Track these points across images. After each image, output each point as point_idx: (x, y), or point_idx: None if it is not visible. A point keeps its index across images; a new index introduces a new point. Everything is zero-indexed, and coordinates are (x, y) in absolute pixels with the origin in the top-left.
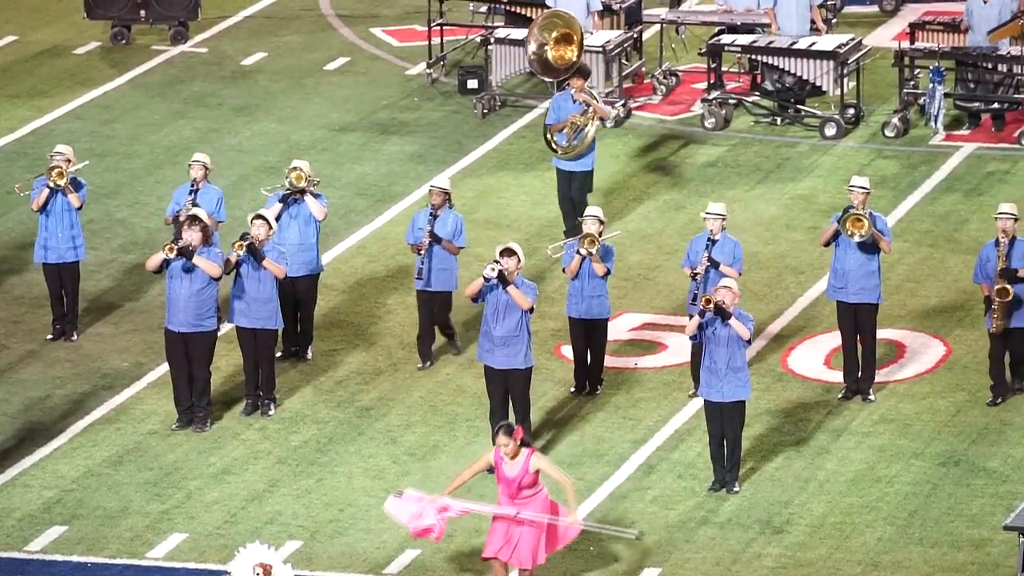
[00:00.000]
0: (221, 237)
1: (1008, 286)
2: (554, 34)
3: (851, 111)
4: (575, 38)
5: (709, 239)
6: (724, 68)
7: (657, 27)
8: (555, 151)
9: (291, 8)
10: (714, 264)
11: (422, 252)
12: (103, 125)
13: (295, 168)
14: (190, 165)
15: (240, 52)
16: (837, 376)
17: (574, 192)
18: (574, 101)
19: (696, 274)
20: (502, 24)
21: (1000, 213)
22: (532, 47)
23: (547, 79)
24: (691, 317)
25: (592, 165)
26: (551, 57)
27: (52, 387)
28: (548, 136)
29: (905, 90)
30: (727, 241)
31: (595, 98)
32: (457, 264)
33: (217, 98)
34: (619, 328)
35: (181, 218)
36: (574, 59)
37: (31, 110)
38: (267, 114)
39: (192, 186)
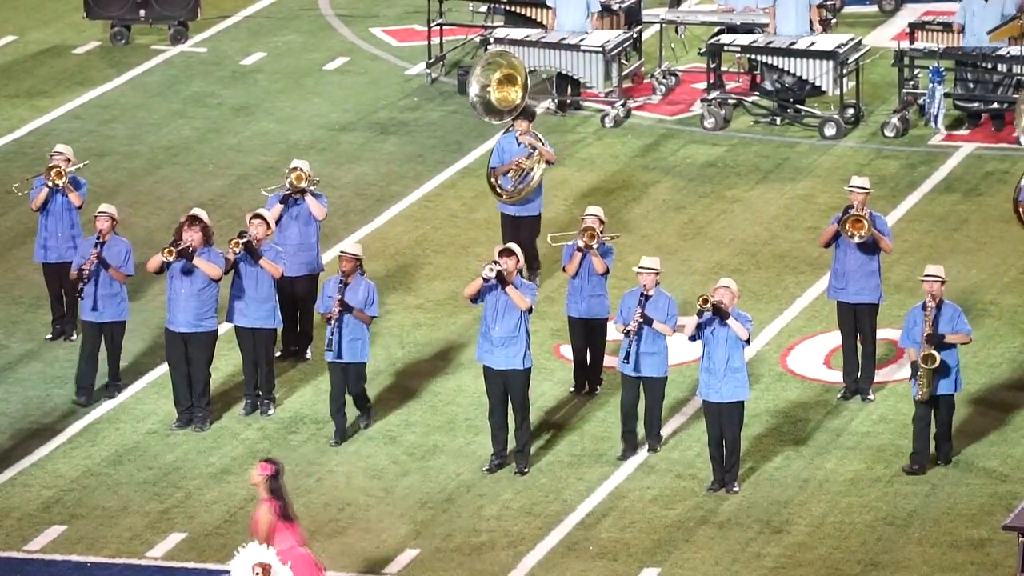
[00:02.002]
0: (216, 239)
1: (935, 353)
2: (497, 75)
3: (851, 111)
4: (519, 79)
5: (642, 295)
6: (724, 68)
7: (657, 27)
8: (500, 196)
9: (290, 8)
10: (647, 321)
11: (332, 322)
12: (102, 125)
13: (295, 168)
14: (96, 216)
15: (239, 52)
16: (836, 376)
17: (523, 238)
18: (519, 144)
19: (628, 331)
20: (502, 24)
21: (927, 275)
22: (474, 89)
23: (491, 121)
24: (623, 376)
25: (539, 209)
26: (494, 99)
27: (51, 387)
28: (492, 180)
29: (904, 90)
30: (661, 297)
31: (541, 140)
32: (369, 333)
33: (216, 98)
34: None
35: (85, 272)
36: (518, 100)
37: (30, 110)
38: (266, 114)
39: (97, 238)
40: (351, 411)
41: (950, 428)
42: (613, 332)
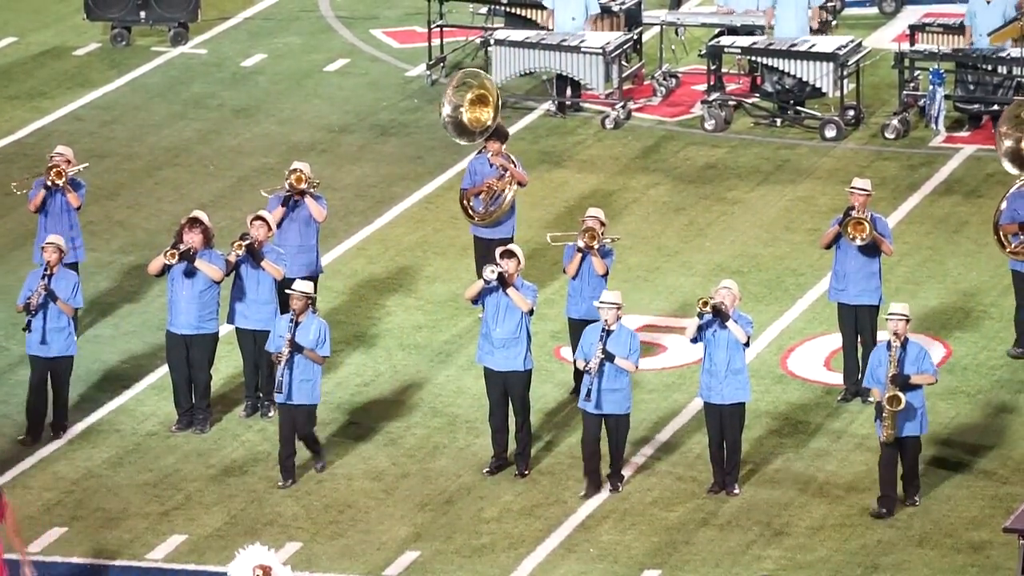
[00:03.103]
0: (217, 240)
1: (900, 394)
2: (468, 96)
3: (851, 113)
4: (491, 99)
5: (604, 330)
6: (724, 70)
7: (657, 29)
8: (472, 218)
9: (291, 9)
10: (609, 357)
11: (282, 363)
12: (103, 126)
13: (295, 170)
14: (43, 247)
15: (240, 53)
16: (837, 378)
17: (494, 260)
18: (491, 165)
19: (589, 368)
20: (502, 25)
21: (891, 314)
22: (446, 110)
23: (463, 142)
24: (584, 413)
25: (512, 231)
26: (466, 120)
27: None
28: (464, 202)
29: (905, 92)
30: (622, 332)
31: (513, 162)
32: (321, 374)
33: (217, 99)
34: None
35: (32, 305)
36: (490, 121)
37: (31, 111)
38: (267, 115)
39: (45, 270)
40: (303, 453)
41: (917, 470)
42: None
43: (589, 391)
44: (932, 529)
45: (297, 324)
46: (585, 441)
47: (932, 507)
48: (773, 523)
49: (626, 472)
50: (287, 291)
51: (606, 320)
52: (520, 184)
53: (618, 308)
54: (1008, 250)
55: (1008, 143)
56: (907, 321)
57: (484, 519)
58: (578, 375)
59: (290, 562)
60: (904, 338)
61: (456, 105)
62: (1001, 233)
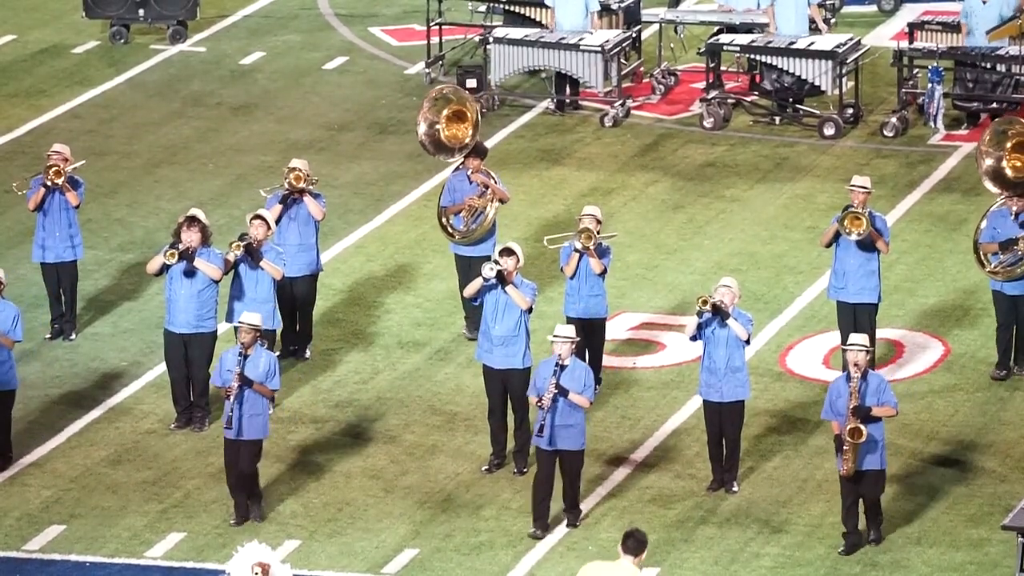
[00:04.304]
0: (216, 239)
1: (861, 426)
2: (445, 112)
3: (850, 111)
4: (469, 115)
5: (557, 364)
6: (723, 68)
7: (656, 27)
8: (452, 236)
9: (289, 7)
10: (562, 392)
11: (231, 397)
12: (102, 124)
13: (294, 168)
14: None
15: (239, 51)
16: (836, 376)
17: (475, 279)
18: (471, 182)
19: (542, 403)
20: (501, 23)
21: (851, 344)
22: (423, 127)
23: (442, 159)
24: (538, 449)
25: (493, 250)
26: (444, 136)
27: (50, 386)
28: (444, 220)
29: (904, 90)
30: (577, 366)
31: (493, 179)
32: (269, 408)
33: (215, 97)
34: (617, 328)
35: None
36: (468, 138)
37: (30, 109)
38: (266, 113)
39: None
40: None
41: (879, 505)
42: (612, 332)
43: (542, 427)
44: (930, 527)
45: (246, 357)
46: (538, 480)
47: (930, 505)
48: (772, 521)
49: (625, 470)
50: (235, 325)
51: (560, 355)
52: (501, 201)
53: (572, 342)
54: (988, 269)
55: (989, 162)
56: (867, 352)
57: (483, 517)
58: None
59: (289, 560)
60: (865, 369)
61: (432, 122)
62: (981, 252)
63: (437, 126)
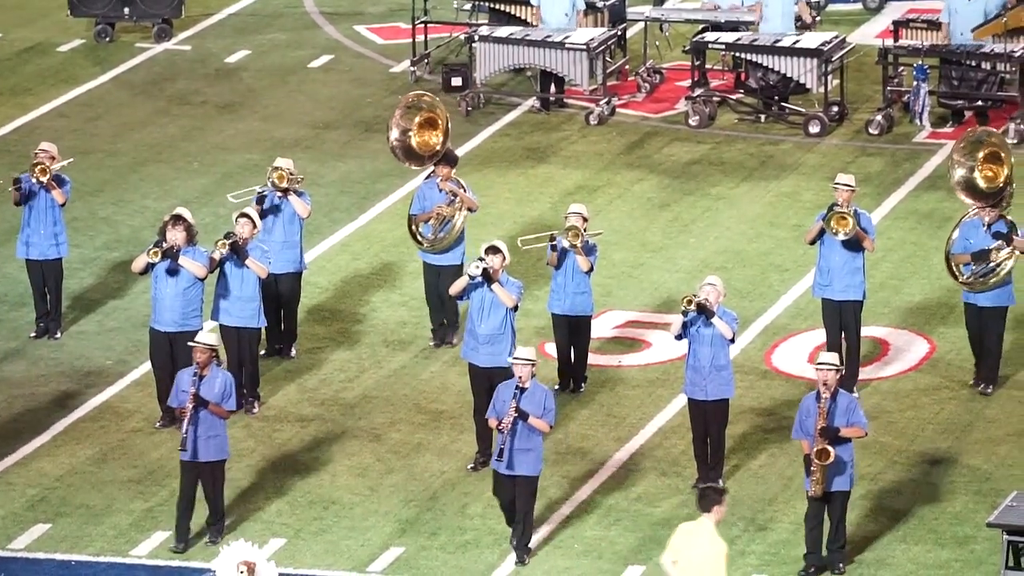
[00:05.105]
0: (202, 237)
1: (829, 448)
2: (417, 119)
3: (835, 109)
4: (440, 123)
5: (518, 387)
6: (708, 66)
7: (641, 25)
8: (420, 244)
9: (275, 6)
10: (522, 416)
11: (186, 418)
12: (87, 123)
13: (277, 168)
14: None
15: (224, 50)
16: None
17: (443, 288)
18: (440, 190)
19: (502, 427)
20: (486, 22)
21: (820, 364)
22: (394, 134)
23: (412, 167)
24: (496, 474)
25: (461, 259)
26: (415, 144)
27: (36, 385)
28: (413, 228)
29: (889, 87)
30: (537, 390)
31: (463, 187)
32: (226, 427)
33: (201, 96)
34: (603, 326)
35: None
36: (439, 146)
37: (15, 108)
38: (251, 112)
39: None
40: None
41: (843, 529)
42: (597, 330)
43: (501, 451)
44: (916, 524)
45: (201, 378)
46: (502, 506)
47: (916, 502)
48: (757, 518)
49: (610, 468)
50: (189, 344)
51: (520, 377)
52: (470, 210)
53: (533, 365)
54: (960, 280)
55: (961, 172)
56: (837, 371)
57: (468, 515)
58: (563, 372)
59: (274, 558)
60: (835, 389)
61: (404, 129)
62: (953, 263)
63: (409, 133)
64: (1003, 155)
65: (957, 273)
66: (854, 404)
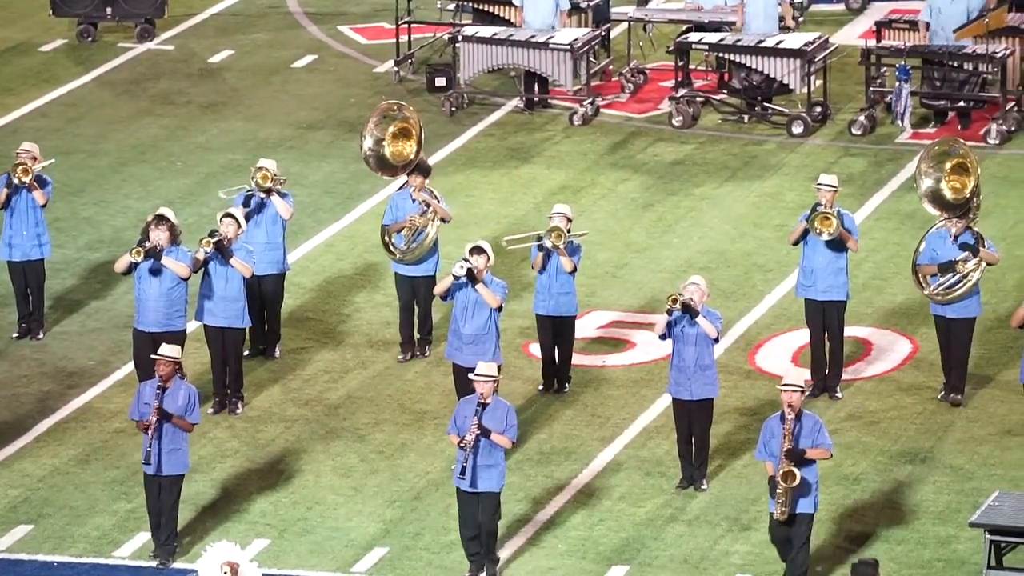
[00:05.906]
0: (185, 237)
1: (795, 470)
2: (391, 129)
3: (818, 109)
4: (414, 133)
5: (479, 403)
6: (692, 66)
7: (625, 25)
8: (393, 255)
9: (258, 6)
10: (484, 432)
11: (150, 432)
12: (69, 123)
13: (261, 168)
14: None
15: (207, 50)
16: (804, 374)
17: (418, 298)
18: (413, 200)
19: (464, 444)
20: (470, 22)
21: (785, 385)
22: (368, 143)
23: (385, 177)
24: (459, 491)
25: (435, 269)
26: (388, 153)
27: (18, 386)
28: (386, 238)
29: (872, 88)
30: (499, 406)
31: (436, 197)
32: (188, 441)
33: (184, 96)
34: (587, 326)
35: None
36: (412, 155)
37: None
38: (234, 112)
39: None
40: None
41: (806, 551)
42: (581, 330)
43: (464, 468)
44: (898, 524)
45: (164, 390)
46: (463, 523)
47: (898, 502)
48: (741, 518)
49: (594, 468)
50: (152, 356)
51: (481, 393)
52: (443, 220)
53: (495, 381)
54: (927, 292)
55: (928, 182)
56: (802, 392)
57: (453, 515)
58: (547, 372)
59: (258, 559)
60: (799, 410)
61: (378, 139)
62: (919, 275)
63: (382, 143)
64: (970, 166)
65: (923, 285)
66: (819, 425)
